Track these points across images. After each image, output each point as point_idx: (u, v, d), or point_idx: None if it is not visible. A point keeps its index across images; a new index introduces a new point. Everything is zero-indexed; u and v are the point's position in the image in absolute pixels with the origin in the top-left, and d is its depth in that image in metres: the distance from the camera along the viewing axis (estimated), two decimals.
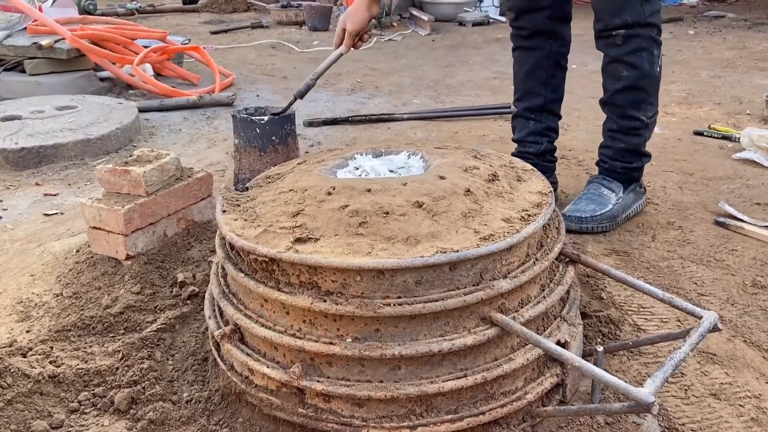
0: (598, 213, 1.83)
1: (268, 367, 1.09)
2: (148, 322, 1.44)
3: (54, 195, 2.31)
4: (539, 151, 2.09)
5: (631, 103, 1.85)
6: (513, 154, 2.08)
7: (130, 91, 3.69)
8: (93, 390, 1.23)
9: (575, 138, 2.81)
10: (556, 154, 2.16)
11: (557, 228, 1.26)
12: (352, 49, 1.90)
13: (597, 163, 2.04)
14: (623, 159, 1.94)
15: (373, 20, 1.87)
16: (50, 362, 1.29)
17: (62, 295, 1.56)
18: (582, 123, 3.03)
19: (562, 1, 1.96)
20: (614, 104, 1.88)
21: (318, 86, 3.95)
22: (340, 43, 1.89)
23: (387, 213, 1.08)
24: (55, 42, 3.49)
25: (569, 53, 2.07)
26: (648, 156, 1.97)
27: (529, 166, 1.38)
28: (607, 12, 1.74)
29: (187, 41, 4.47)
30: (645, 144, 1.95)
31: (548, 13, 1.95)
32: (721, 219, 1.96)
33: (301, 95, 1.93)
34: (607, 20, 1.75)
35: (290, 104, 1.95)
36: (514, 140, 2.17)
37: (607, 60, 1.84)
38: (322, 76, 1.93)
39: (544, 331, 1.15)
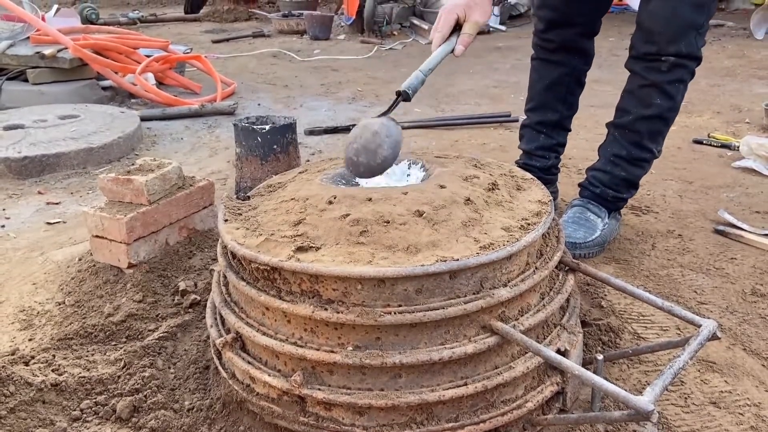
0: (590, 239, 1.80)
1: (269, 375, 1.09)
2: (149, 331, 1.44)
3: (56, 204, 2.32)
4: (545, 166, 2.06)
5: (651, 133, 1.78)
6: (518, 164, 2.08)
7: (132, 100, 3.71)
8: (95, 398, 1.23)
9: (575, 146, 2.82)
10: (559, 165, 2.16)
11: (557, 237, 1.27)
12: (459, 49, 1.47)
13: (582, 185, 1.95)
14: (617, 188, 1.86)
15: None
16: (52, 370, 1.29)
17: (64, 303, 1.57)
18: (582, 131, 3.04)
19: (595, 18, 1.91)
20: (633, 130, 1.78)
21: (319, 95, 4.00)
22: (444, 37, 1.47)
23: (387, 222, 1.08)
24: (58, 51, 3.52)
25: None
26: (637, 188, 1.92)
27: (528, 175, 1.39)
28: (665, 37, 1.65)
29: (188, 50, 4.50)
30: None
31: (579, 30, 1.89)
32: (721, 227, 1.96)
33: (411, 94, 1.38)
34: (662, 45, 1.65)
35: (395, 105, 1.38)
36: (521, 149, 2.12)
37: (642, 83, 1.73)
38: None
39: (544, 339, 1.15)
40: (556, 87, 1.98)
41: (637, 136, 1.79)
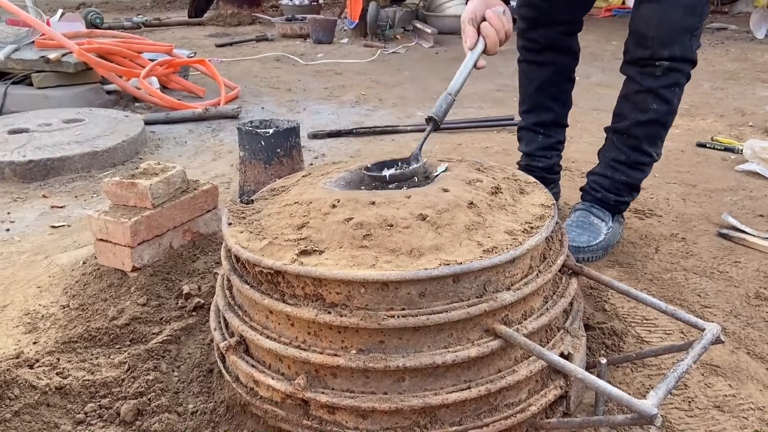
0: (593, 243, 1.80)
1: (273, 378, 1.09)
2: (153, 334, 1.45)
3: (61, 207, 2.33)
4: (548, 166, 2.06)
5: (649, 138, 1.77)
6: (520, 166, 2.08)
7: (137, 104, 3.73)
8: (99, 401, 1.24)
9: (578, 150, 2.82)
10: (561, 163, 2.15)
11: (560, 240, 1.27)
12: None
13: (584, 189, 1.95)
14: (618, 192, 1.86)
15: None
16: (57, 374, 1.29)
17: (69, 306, 1.57)
18: (585, 135, 3.04)
19: (577, 17, 1.90)
20: (631, 135, 1.78)
21: (322, 99, 4.01)
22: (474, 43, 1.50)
23: (391, 225, 1.08)
24: (63, 56, 3.53)
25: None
26: (639, 191, 1.91)
27: (531, 179, 1.39)
28: (658, 41, 1.61)
29: (192, 54, 4.52)
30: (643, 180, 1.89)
31: (562, 29, 1.88)
32: (725, 231, 1.96)
33: (439, 121, 1.40)
34: (655, 49, 1.62)
35: (428, 135, 1.40)
36: (521, 151, 2.12)
37: (637, 89, 1.71)
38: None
39: (548, 343, 1.15)
40: (547, 87, 1.98)
41: (636, 141, 1.78)
